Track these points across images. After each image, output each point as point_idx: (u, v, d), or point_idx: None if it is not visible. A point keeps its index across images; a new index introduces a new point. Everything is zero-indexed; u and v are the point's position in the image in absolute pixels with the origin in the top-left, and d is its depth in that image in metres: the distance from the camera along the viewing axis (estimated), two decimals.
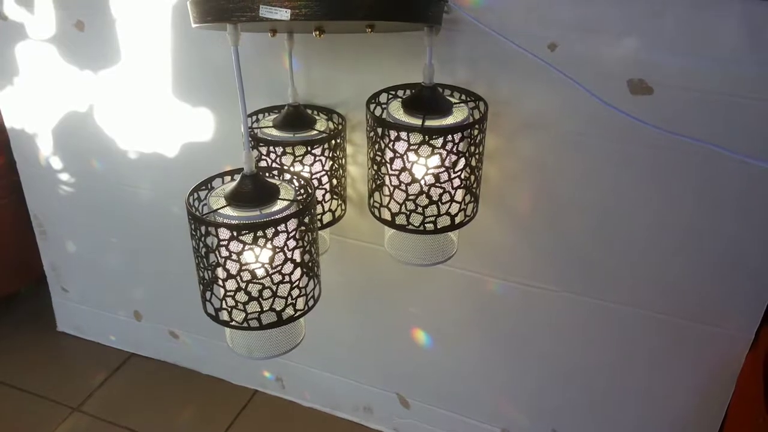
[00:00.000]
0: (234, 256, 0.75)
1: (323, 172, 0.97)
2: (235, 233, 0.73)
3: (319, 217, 0.99)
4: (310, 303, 0.84)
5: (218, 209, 0.77)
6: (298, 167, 0.95)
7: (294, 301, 0.80)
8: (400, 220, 0.85)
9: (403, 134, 0.79)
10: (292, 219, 0.75)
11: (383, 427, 1.36)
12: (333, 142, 0.96)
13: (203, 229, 0.75)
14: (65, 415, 1.39)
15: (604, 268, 1.00)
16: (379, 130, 0.82)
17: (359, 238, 1.15)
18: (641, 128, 0.86)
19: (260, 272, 0.76)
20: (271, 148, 0.93)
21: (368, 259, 1.17)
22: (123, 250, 1.43)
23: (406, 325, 1.22)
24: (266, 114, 1.04)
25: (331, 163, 0.97)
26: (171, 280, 1.39)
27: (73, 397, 1.44)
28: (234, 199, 0.77)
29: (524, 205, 1.00)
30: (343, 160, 1.02)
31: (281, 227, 0.75)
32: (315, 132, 0.97)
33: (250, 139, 0.95)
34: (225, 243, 0.74)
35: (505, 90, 0.92)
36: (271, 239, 0.74)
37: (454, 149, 0.80)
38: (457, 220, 0.86)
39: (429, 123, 0.82)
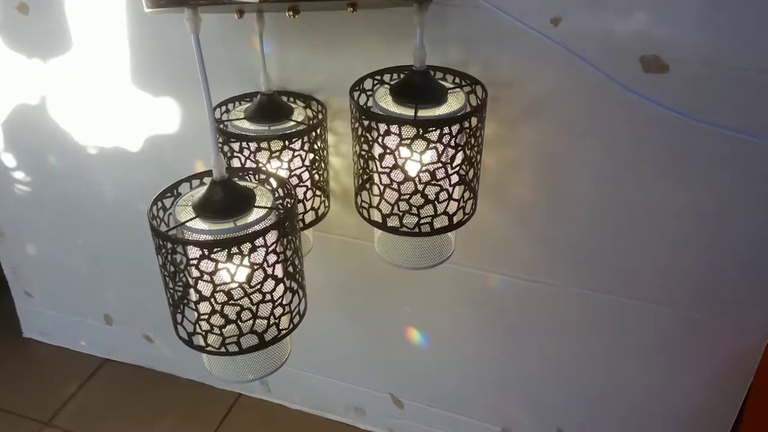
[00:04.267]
0: (206, 277, 0.65)
1: (303, 168, 0.87)
2: (206, 251, 0.63)
3: (300, 216, 0.89)
4: (296, 320, 0.75)
5: (186, 222, 0.67)
6: (275, 163, 0.85)
7: (277, 321, 0.71)
8: (393, 221, 0.76)
9: (394, 128, 0.69)
10: (272, 231, 0.66)
11: (377, 428, 1.29)
12: (313, 133, 0.86)
13: (169, 246, 0.65)
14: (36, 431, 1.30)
15: (613, 261, 0.92)
16: (366, 123, 0.72)
17: (345, 233, 1.06)
18: (654, 111, 0.78)
19: (238, 292, 0.67)
20: (244, 144, 0.83)
21: (355, 256, 1.08)
22: (88, 251, 1.32)
23: (398, 324, 1.14)
24: (237, 103, 0.93)
25: (312, 156, 0.87)
26: (142, 283, 1.29)
27: (43, 411, 1.34)
28: (203, 209, 0.67)
29: (526, 195, 0.92)
30: (325, 152, 0.92)
31: (259, 241, 0.65)
32: (292, 123, 0.87)
33: (218, 137, 0.85)
34: (195, 262, 0.64)
35: (504, 71, 0.83)
36: (249, 255, 0.65)
37: (452, 142, 0.71)
38: (456, 219, 0.77)
39: (422, 113, 0.72)
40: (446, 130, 0.69)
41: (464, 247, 0.96)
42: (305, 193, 0.89)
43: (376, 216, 0.78)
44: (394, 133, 0.70)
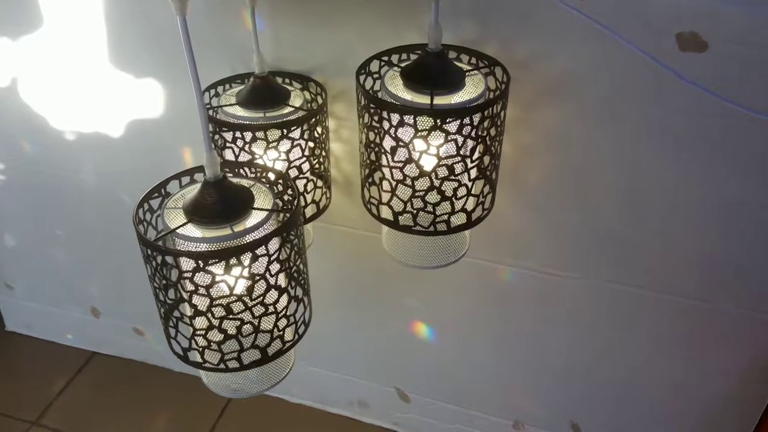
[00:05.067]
0: (202, 290, 0.58)
1: (303, 158, 0.79)
2: (200, 263, 0.56)
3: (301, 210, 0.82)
4: (301, 330, 0.68)
5: (177, 228, 0.60)
6: (271, 154, 0.77)
7: (281, 333, 0.65)
8: (405, 220, 0.69)
9: (408, 118, 0.62)
10: (274, 237, 0.58)
11: (382, 422, 1.24)
12: (313, 120, 0.78)
13: (159, 258, 0.58)
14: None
15: (634, 252, 0.86)
16: (374, 112, 0.64)
17: (347, 224, 0.99)
18: (687, 93, 0.71)
19: (237, 306, 0.60)
20: (238, 134, 0.75)
21: (359, 247, 1.01)
22: (70, 242, 1.24)
23: (404, 318, 1.08)
24: (227, 86, 0.85)
25: (312, 144, 0.80)
26: (129, 274, 1.21)
27: (30, 409, 1.28)
28: (196, 213, 0.60)
29: (543, 183, 0.85)
30: (326, 139, 0.84)
31: (261, 250, 0.58)
32: (290, 109, 0.79)
33: (210, 129, 0.77)
34: (189, 275, 0.57)
35: (523, 49, 0.75)
36: (249, 266, 0.58)
37: (473, 133, 0.63)
38: (475, 216, 0.70)
39: (438, 100, 0.64)
40: (467, 120, 0.62)
41: (475, 237, 0.89)
42: (305, 185, 0.81)
43: (387, 213, 0.70)
44: (408, 125, 0.62)
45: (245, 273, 0.58)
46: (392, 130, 0.63)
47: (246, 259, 0.57)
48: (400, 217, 0.69)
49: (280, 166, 0.78)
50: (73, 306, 1.35)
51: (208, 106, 0.82)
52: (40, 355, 1.41)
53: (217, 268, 0.57)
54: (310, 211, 0.84)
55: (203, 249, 0.59)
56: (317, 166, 0.82)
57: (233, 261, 0.57)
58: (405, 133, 0.63)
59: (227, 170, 0.69)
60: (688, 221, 0.81)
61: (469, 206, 0.69)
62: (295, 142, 0.77)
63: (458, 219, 0.69)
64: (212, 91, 0.84)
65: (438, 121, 0.61)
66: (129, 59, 0.95)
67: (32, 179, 1.16)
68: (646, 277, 0.88)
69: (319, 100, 0.83)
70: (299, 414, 1.27)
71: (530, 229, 0.90)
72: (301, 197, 0.79)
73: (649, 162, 0.78)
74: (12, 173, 1.18)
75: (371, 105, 0.64)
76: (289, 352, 0.73)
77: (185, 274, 0.57)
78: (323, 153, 0.83)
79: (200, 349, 0.63)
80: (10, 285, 1.38)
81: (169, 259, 0.57)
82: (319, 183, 0.84)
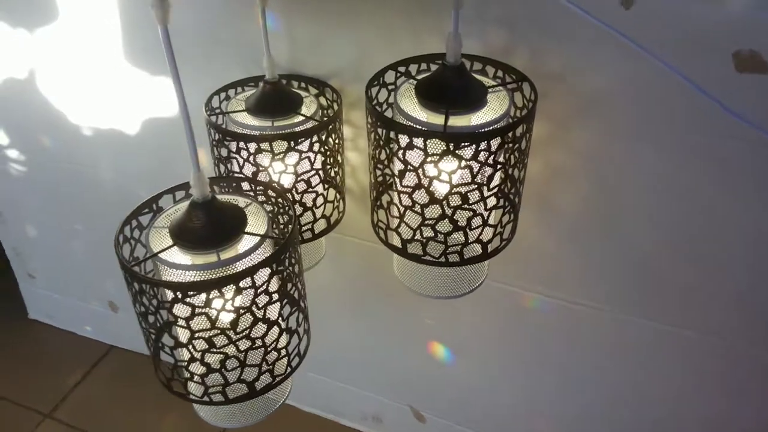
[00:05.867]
0: (182, 322, 0.53)
1: (313, 172, 0.74)
2: (179, 294, 0.51)
3: (309, 226, 0.77)
4: (294, 363, 0.63)
5: (159, 252, 0.55)
6: (277, 166, 0.72)
7: (271, 367, 0.60)
8: (414, 248, 0.63)
9: (418, 141, 0.55)
10: (264, 268, 0.53)
11: None
12: (324, 131, 0.73)
13: (136, 285, 0.53)
14: (34, 425, 1.23)
15: (673, 288, 0.78)
16: (382, 132, 0.58)
17: (363, 237, 0.93)
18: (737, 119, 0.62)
19: (221, 339, 0.55)
20: (242, 144, 0.70)
21: (375, 261, 0.95)
22: (89, 236, 1.22)
23: (420, 337, 1.02)
24: (239, 89, 0.80)
25: (323, 158, 0.74)
26: None
27: (45, 401, 1.27)
28: (181, 237, 0.55)
29: (575, 208, 0.77)
30: (340, 150, 0.78)
31: (247, 281, 0.53)
32: (300, 118, 0.74)
33: (213, 134, 0.72)
34: (167, 305, 0.53)
35: (556, 61, 0.67)
36: (233, 299, 0.53)
37: (491, 160, 0.56)
38: (491, 247, 0.63)
39: (455, 121, 0.58)
40: (483, 145, 0.55)
41: (499, 261, 0.82)
42: (315, 199, 0.76)
43: (395, 240, 0.64)
44: (418, 148, 0.56)
45: (229, 306, 0.53)
46: (400, 153, 0.57)
47: (229, 291, 0.52)
48: (408, 245, 0.63)
49: (288, 179, 0.73)
50: (92, 299, 1.33)
51: (218, 110, 0.77)
52: (59, 344, 1.40)
53: (198, 300, 0.52)
54: (320, 226, 0.78)
55: (187, 277, 0.54)
56: (329, 179, 0.76)
57: (214, 294, 0.52)
58: (414, 157, 0.57)
59: (224, 185, 0.64)
60: (740, 257, 0.73)
61: (485, 237, 0.62)
62: (303, 155, 0.71)
63: (473, 251, 0.62)
64: (222, 95, 0.79)
65: (451, 145, 0.54)
66: (144, 56, 0.91)
67: (50, 173, 1.14)
68: (685, 315, 0.79)
69: (334, 109, 0.77)
70: (310, 423, 1.23)
71: (560, 255, 0.82)
72: (307, 206, 0.74)
73: (692, 191, 0.70)
74: (32, 166, 1.16)
75: (379, 123, 0.58)
76: (286, 381, 0.68)
77: (164, 305, 0.53)
78: (336, 165, 0.77)
79: (183, 380, 0.59)
80: (32, 275, 1.38)
81: (148, 287, 0.53)
82: (331, 196, 0.78)
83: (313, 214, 0.76)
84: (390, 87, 0.66)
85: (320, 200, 0.76)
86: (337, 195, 0.80)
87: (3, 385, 1.30)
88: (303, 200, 0.74)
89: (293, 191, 0.73)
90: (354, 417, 1.21)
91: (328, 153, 0.74)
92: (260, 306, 0.55)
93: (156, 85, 0.93)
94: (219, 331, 0.54)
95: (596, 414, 0.96)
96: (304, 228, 0.77)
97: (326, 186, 0.76)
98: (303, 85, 0.81)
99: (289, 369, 0.62)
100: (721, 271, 0.74)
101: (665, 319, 0.81)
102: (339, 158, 0.78)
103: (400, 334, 1.03)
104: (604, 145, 0.71)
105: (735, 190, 0.68)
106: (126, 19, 0.88)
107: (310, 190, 0.75)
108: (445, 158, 0.55)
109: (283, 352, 0.60)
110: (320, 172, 0.74)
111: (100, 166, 1.08)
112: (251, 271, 0.52)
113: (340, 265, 0.98)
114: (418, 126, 0.58)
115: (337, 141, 0.76)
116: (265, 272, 0.54)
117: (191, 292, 0.51)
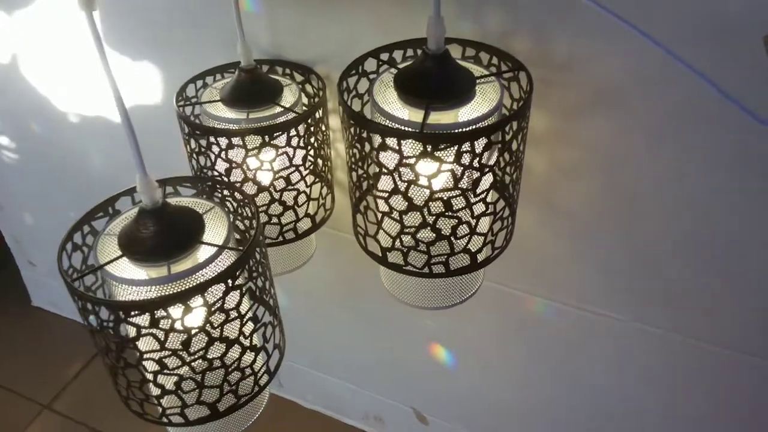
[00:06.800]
0: (128, 343, 0.48)
1: (292, 168, 0.67)
2: (121, 314, 0.46)
3: (291, 225, 0.71)
4: (262, 381, 0.57)
5: (105, 264, 0.50)
6: (252, 162, 0.66)
7: (234, 388, 0.54)
8: (395, 257, 0.57)
9: (392, 141, 0.49)
10: (218, 284, 0.47)
11: None
12: (304, 123, 0.66)
13: (79, 303, 0.48)
14: (33, 415, 1.21)
15: (692, 296, 0.71)
16: (356, 131, 0.51)
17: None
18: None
19: (172, 361, 0.50)
20: (212, 139, 0.64)
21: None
22: None
23: (421, 339, 0.96)
24: (217, 76, 0.74)
25: (303, 153, 0.68)
26: None
27: (45, 391, 1.25)
28: (129, 248, 0.50)
29: (584, 207, 0.70)
30: (327, 143, 0.72)
31: (197, 300, 0.47)
32: (279, 109, 0.67)
33: (184, 128, 0.66)
34: (110, 325, 0.47)
35: (563, 47, 0.59)
36: (182, 318, 0.47)
37: (476, 162, 0.49)
38: (481, 257, 0.57)
39: (437, 117, 0.51)
40: (466, 146, 0.48)
41: (503, 263, 0.75)
42: (296, 197, 0.70)
43: (374, 247, 0.58)
44: (392, 149, 0.49)
45: (179, 326, 0.48)
46: (374, 154, 0.50)
47: (177, 310, 0.47)
48: (388, 254, 0.57)
49: (267, 177, 0.67)
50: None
51: (194, 99, 0.71)
52: (61, 332, 1.39)
53: (142, 320, 0.47)
54: (304, 225, 0.73)
55: (135, 292, 0.49)
56: (312, 175, 0.70)
57: (160, 313, 0.46)
58: (389, 159, 0.50)
59: (187, 185, 0.59)
60: (760, 268, 0.65)
61: (474, 246, 0.55)
62: (281, 150, 0.65)
63: (459, 261, 0.56)
64: (199, 83, 0.73)
65: (428, 147, 0.48)
66: (123, 41, 0.85)
67: (42, 161, 1.11)
68: (706, 327, 0.72)
69: (316, 100, 0.71)
70: (312, 420, 1.19)
71: (568, 259, 0.75)
72: (285, 196, 0.67)
73: (718, 191, 0.62)
74: (23, 152, 1.12)
75: (351, 121, 0.51)
76: (262, 394, 0.63)
77: (107, 323, 0.48)
78: (319, 159, 0.71)
79: (138, 401, 0.54)
80: (33, 262, 1.35)
81: (89, 306, 0.48)
82: (315, 193, 0.72)
83: (295, 213, 0.70)
84: (371, 77, 0.59)
85: (303, 198, 0.70)
86: (324, 191, 0.74)
87: (4, 372, 1.29)
88: (283, 198, 0.68)
89: (271, 189, 0.67)
90: (356, 416, 1.16)
91: (311, 146, 0.68)
92: (215, 326, 0.49)
93: (136, 71, 0.87)
94: (170, 353, 0.49)
95: (600, 420, 0.90)
96: (287, 228, 0.71)
97: (309, 182, 0.70)
98: (288, 71, 0.75)
99: (257, 388, 0.57)
100: (743, 279, 0.66)
101: (680, 328, 0.73)
102: (325, 151, 0.72)
103: (400, 335, 0.98)
104: (616, 140, 0.63)
105: (761, 191, 0.60)
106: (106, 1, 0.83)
107: (291, 187, 0.68)
108: (422, 160, 0.49)
109: (248, 371, 0.55)
110: (301, 167, 0.68)
111: (89, 154, 1.04)
112: (200, 289, 0.46)
113: (339, 262, 0.92)
114: (392, 124, 0.51)
115: (323, 133, 0.70)
116: (219, 288, 0.48)
117: (134, 312, 0.46)
